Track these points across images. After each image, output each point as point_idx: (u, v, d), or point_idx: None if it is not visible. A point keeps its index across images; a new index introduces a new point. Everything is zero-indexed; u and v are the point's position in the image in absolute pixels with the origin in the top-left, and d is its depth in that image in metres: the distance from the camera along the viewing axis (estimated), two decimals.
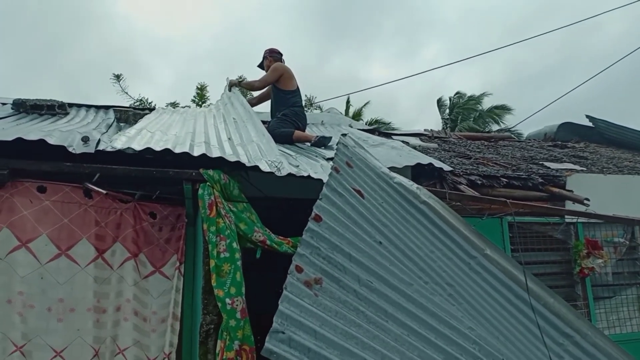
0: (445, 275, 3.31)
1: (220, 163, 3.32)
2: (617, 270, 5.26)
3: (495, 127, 16.97)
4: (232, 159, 3.31)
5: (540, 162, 6.19)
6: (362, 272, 2.78)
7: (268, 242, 3.14)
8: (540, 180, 5.04)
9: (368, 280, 2.78)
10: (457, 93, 18.28)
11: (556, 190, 4.93)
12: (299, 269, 2.55)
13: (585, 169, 6.00)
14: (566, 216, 4.86)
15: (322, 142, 5.01)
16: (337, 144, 3.42)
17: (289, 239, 3.23)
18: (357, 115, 16.54)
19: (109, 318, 3.15)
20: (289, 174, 3.31)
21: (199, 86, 13.00)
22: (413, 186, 3.62)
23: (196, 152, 3.33)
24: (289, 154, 4.09)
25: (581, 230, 5.06)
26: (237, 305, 2.85)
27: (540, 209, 4.29)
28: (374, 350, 2.49)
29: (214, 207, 3.04)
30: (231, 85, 6.07)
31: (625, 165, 6.72)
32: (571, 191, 4.94)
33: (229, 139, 4.05)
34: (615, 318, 5.20)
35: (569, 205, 4.85)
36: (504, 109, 17.72)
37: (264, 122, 5.59)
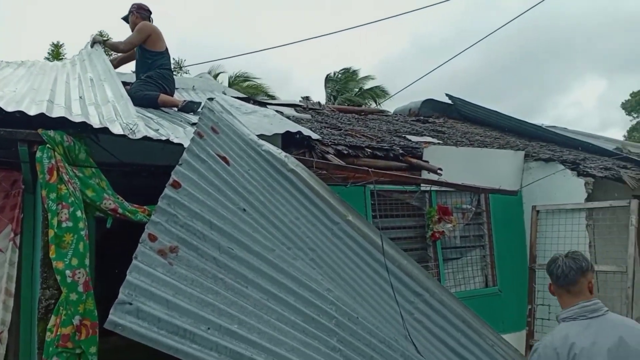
0: (309, 240, 3.39)
1: (66, 124, 2.98)
2: (464, 234, 5.84)
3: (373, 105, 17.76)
4: (78, 119, 2.99)
5: (403, 135, 6.58)
6: (223, 240, 2.73)
7: (120, 210, 2.93)
8: (401, 152, 5.36)
9: (229, 247, 2.73)
10: (343, 69, 18.73)
11: (414, 160, 5.28)
12: (152, 238, 2.42)
13: (441, 142, 6.51)
14: (422, 184, 5.25)
15: (191, 107, 4.78)
16: (202, 108, 3.28)
17: (144, 207, 3.04)
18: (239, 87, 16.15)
19: None
20: (146, 138, 3.09)
21: (54, 44, 11.63)
22: (281, 154, 3.62)
23: (33, 111, 2.94)
24: (149, 117, 3.83)
25: (434, 198, 5.51)
26: (79, 277, 2.63)
27: (399, 177, 4.57)
28: (231, 316, 2.47)
29: (55, 172, 2.73)
30: (94, 42, 5.49)
31: (476, 140, 7.43)
32: (427, 162, 5.33)
33: (80, 97, 3.66)
34: (461, 277, 5.80)
35: (425, 175, 5.23)
36: (380, 89, 18.58)
37: (126, 84, 5.19)
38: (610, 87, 58.25)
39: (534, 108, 52.69)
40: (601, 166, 6.20)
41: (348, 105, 13.92)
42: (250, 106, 5.59)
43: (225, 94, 6.51)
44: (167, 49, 5.31)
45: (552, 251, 5.76)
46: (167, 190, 2.58)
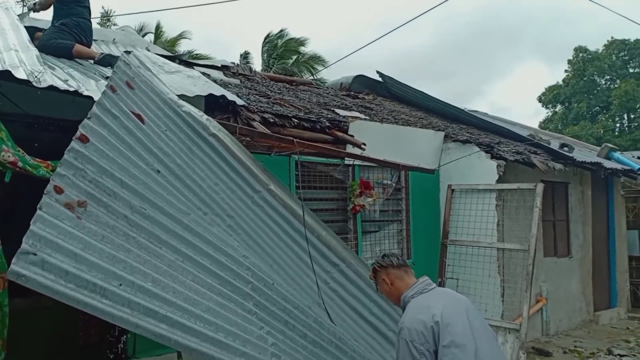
0: (227, 207, 3.34)
1: None
2: (383, 208, 6.01)
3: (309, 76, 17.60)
4: None
5: (332, 109, 6.61)
6: (135, 199, 2.62)
7: (20, 164, 2.70)
8: (328, 124, 5.38)
9: (141, 207, 2.62)
10: (280, 31, 18.23)
11: (340, 134, 5.32)
12: (59, 190, 2.26)
13: (368, 118, 6.61)
14: (346, 158, 5.32)
15: (108, 61, 4.47)
16: (117, 62, 3.08)
17: (48, 162, 2.83)
18: (170, 45, 15.34)
19: None
20: (52, 88, 2.86)
21: None
22: (203, 117, 3.51)
23: None
24: (59, 66, 3.55)
25: (357, 172, 5.61)
26: None
27: (323, 149, 4.59)
28: (144, 273, 2.39)
29: None
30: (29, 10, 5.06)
31: (401, 118, 7.62)
32: (352, 136, 5.40)
33: None
34: (379, 249, 5.98)
35: (349, 149, 5.30)
36: (319, 59, 18.45)
37: (39, 30, 4.78)
38: (551, 76, 61.80)
39: (478, 90, 55.00)
40: (513, 150, 6.59)
41: (282, 74, 13.72)
42: (174, 65, 5.35)
43: (149, 50, 6.18)
44: None
45: (463, 228, 6.09)
46: (74, 144, 2.42)
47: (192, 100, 4.01)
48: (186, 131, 3.34)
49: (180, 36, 16.30)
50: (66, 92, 2.92)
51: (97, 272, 2.20)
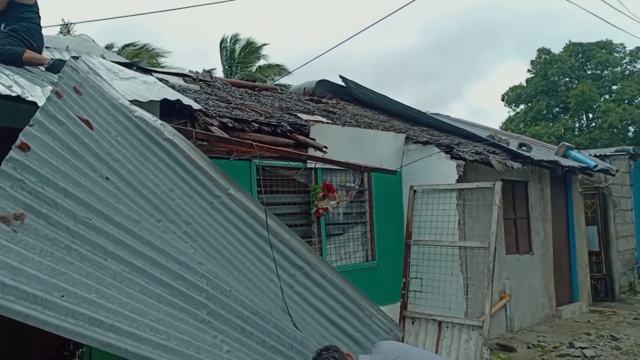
0: (184, 213, 3.27)
1: None
2: (347, 211, 6.03)
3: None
4: None
5: (294, 113, 6.59)
6: (79, 209, 2.53)
7: None
8: (289, 128, 5.36)
9: (86, 217, 2.54)
10: (235, 36, 18.02)
11: (301, 137, 5.31)
12: None
13: (330, 122, 6.63)
14: (308, 161, 5.31)
15: (60, 66, 4.31)
16: (64, 67, 2.99)
17: None
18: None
19: None
20: None
21: None
22: (157, 122, 3.43)
23: None
24: (4, 73, 3.42)
25: (320, 175, 5.61)
26: None
27: (283, 152, 4.57)
28: (88, 285, 2.32)
29: None
30: None
31: (364, 121, 7.67)
32: (313, 139, 5.39)
33: None
34: (343, 252, 6.00)
35: (311, 152, 5.29)
36: (279, 67, 18.40)
37: None
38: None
39: (458, 91, 55.33)
40: (473, 151, 6.71)
41: (244, 79, 13.63)
42: (130, 72, 5.25)
43: (104, 57, 6.04)
44: (37, 2, 4.80)
45: (426, 228, 6.15)
46: (13, 153, 2.33)
47: (147, 105, 3.93)
48: (139, 136, 3.26)
49: (145, 47, 15.94)
50: (8, 97, 2.81)
51: (37, 284, 2.14)
